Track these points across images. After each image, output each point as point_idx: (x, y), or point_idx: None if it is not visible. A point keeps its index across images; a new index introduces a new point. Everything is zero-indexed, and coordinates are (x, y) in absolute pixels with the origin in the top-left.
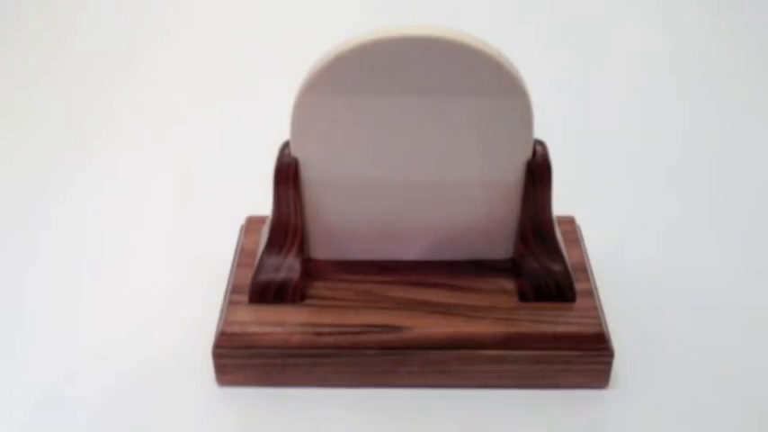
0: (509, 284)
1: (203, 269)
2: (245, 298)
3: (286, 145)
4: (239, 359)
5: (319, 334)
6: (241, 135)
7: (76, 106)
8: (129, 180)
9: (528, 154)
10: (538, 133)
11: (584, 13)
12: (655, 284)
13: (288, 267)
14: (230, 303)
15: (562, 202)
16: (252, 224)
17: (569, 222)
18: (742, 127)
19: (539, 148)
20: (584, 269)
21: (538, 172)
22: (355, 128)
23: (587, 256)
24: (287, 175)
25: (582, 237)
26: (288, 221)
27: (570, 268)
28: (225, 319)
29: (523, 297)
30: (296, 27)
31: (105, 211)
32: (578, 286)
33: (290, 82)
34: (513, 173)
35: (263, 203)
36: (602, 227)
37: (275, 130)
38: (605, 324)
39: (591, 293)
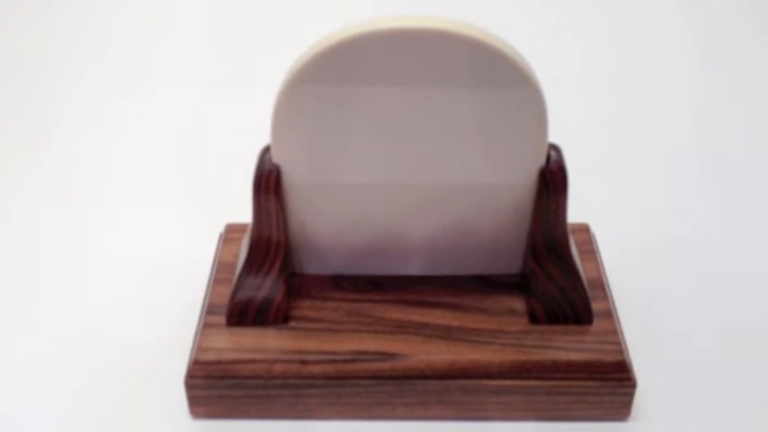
0: (518, 304)
1: (178, 283)
2: (222, 320)
3: (266, 150)
4: (215, 390)
5: (305, 362)
6: (224, 134)
7: (63, 106)
8: (104, 181)
9: (541, 159)
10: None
11: (596, 4)
12: (681, 303)
13: (270, 286)
14: (205, 326)
15: (575, 207)
16: (231, 233)
17: (584, 231)
18: None
19: (553, 153)
20: (602, 286)
21: (551, 180)
22: (345, 127)
23: (604, 271)
24: (267, 184)
25: (598, 248)
26: (269, 235)
27: (586, 286)
28: (199, 345)
29: (534, 319)
30: (282, 19)
31: (73, 213)
32: (595, 306)
33: (277, 77)
34: (525, 179)
35: (245, 208)
36: (619, 235)
37: (260, 127)
38: (626, 350)
39: (609, 314)
